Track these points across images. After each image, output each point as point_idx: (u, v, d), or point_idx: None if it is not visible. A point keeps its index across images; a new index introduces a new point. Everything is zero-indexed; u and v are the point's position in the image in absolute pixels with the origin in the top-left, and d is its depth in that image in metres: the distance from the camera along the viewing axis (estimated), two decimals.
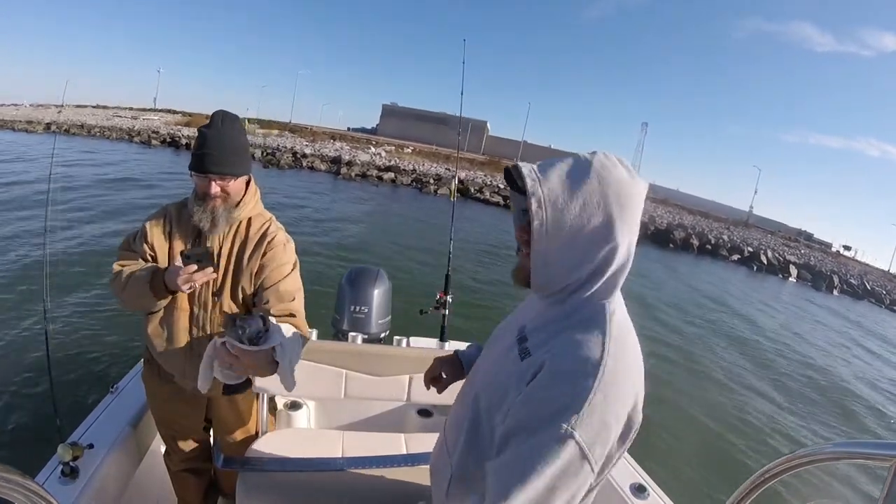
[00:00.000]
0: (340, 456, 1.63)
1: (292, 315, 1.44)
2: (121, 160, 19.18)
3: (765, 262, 24.49)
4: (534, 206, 0.73)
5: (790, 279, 23.39)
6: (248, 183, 1.50)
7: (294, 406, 2.18)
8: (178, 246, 1.45)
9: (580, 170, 0.75)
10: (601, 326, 0.73)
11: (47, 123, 32.43)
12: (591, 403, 0.65)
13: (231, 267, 1.45)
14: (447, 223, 2.90)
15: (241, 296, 1.46)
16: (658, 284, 12.94)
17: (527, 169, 0.76)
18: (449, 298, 2.60)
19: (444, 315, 2.59)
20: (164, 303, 1.42)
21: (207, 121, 1.41)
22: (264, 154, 27.57)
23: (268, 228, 1.49)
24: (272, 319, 1.18)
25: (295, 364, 1.29)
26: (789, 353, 9.31)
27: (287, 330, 1.29)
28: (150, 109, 54.37)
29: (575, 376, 0.68)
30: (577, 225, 0.73)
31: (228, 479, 1.74)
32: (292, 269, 1.51)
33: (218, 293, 1.45)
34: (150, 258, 1.47)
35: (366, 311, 2.33)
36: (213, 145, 1.34)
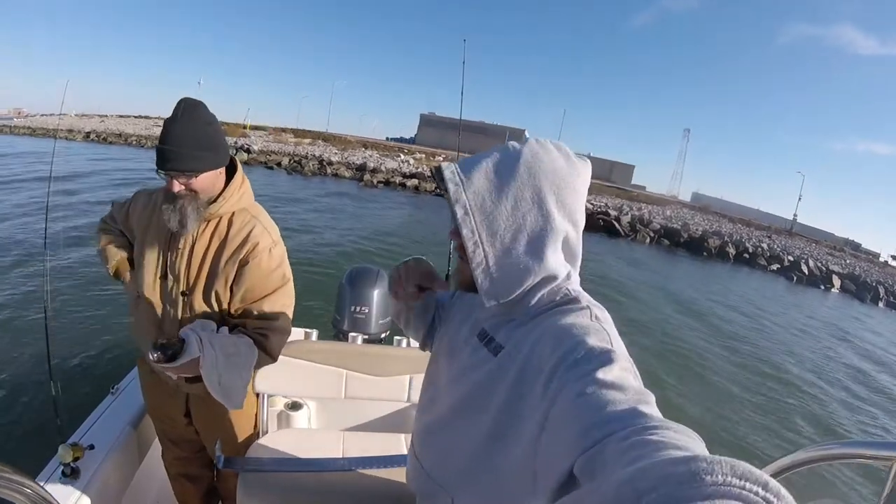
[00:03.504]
0: (341, 456, 1.62)
1: (263, 335, 1.35)
2: (147, 167, 19.88)
3: (806, 271, 23.32)
4: (459, 213, 0.68)
5: (833, 290, 22.18)
6: (231, 174, 1.38)
7: (294, 406, 2.17)
8: (152, 238, 1.39)
9: (507, 163, 0.69)
10: (578, 301, 0.71)
11: (87, 132, 34.13)
12: (613, 341, 0.63)
13: (206, 268, 1.36)
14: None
15: (213, 299, 1.37)
16: (673, 290, 12.50)
17: (449, 171, 0.70)
18: None
19: None
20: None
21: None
22: (290, 161, 28.20)
23: (252, 231, 1.36)
24: (198, 336, 1.17)
25: (234, 380, 1.25)
26: (796, 358, 9.02)
27: (231, 346, 1.24)
28: None
29: (586, 330, 0.64)
30: (512, 226, 0.68)
31: (228, 484, 1.70)
32: (282, 283, 1.40)
33: (188, 292, 1.37)
34: (122, 230, 1.50)
35: (366, 311, 2.30)
36: (172, 139, 1.21)
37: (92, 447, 1.47)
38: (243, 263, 1.34)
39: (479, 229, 0.68)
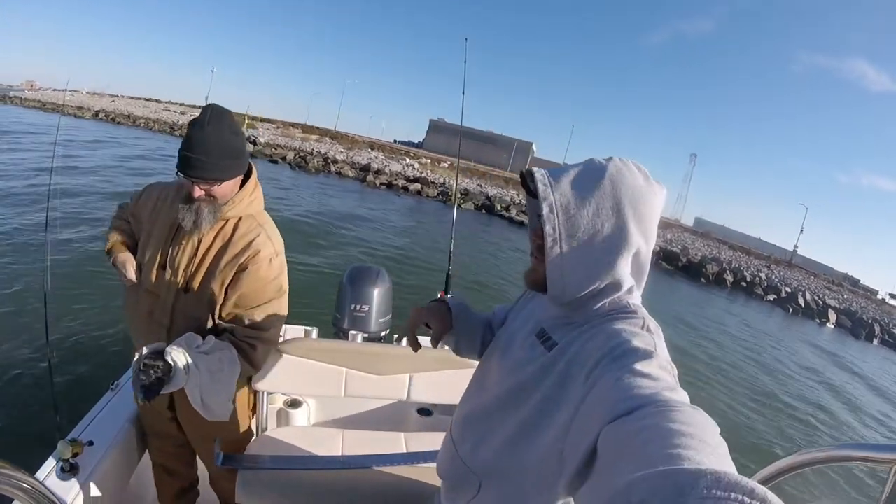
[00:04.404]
0: (340, 454, 1.63)
1: (252, 345, 1.36)
2: (156, 147, 20.00)
3: (802, 304, 23.39)
4: (545, 210, 0.72)
5: (828, 324, 22.21)
6: (246, 179, 1.41)
7: (294, 404, 2.18)
8: (158, 230, 1.41)
9: (593, 174, 0.74)
10: (635, 314, 0.73)
11: (96, 111, 34.17)
12: (658, 347, 0.66)
13: (204, 267, 1.37)
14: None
15: (206, 299, 1.37)
16: (666, 314, 12.51)
17: (540, 174, 0.76)
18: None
19: None
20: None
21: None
22: (295, 156, 28.27)
23: (255, 238, 1.37)
24: (185, 361, 1.17)
25: (215, 396, 1.25)
26: (791, 374, 9.34)
27: (215, 362, 1.24)
28: (200, 106, 56.55)
29: (634, 336, 0.67)
30: (590, 230, 0.73)
31: (224, 484, 1.68)
32: (278, 295, 1.41)
33: (184, 288, 1.37)
34: (129, 223, 1.50)
35: (366, 309, 2.30)
36: (198, 147, 1.23)
37: (91, 443, 1.47)
38: (242, 269, 1.35)
39: (560, 228, 0.73)
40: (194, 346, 1.24)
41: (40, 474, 1.34)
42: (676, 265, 24.17)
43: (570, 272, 0.74)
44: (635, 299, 0.77)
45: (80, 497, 1.34)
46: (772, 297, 23.87)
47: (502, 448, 0.79)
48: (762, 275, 26.98)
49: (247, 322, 1.36)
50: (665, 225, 40.11)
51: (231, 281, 1.36)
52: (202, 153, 1.23)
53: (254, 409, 1.72)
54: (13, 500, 0.70)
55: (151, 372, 1.12)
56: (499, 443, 0.80)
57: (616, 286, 0.75)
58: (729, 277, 24.34)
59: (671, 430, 0.46)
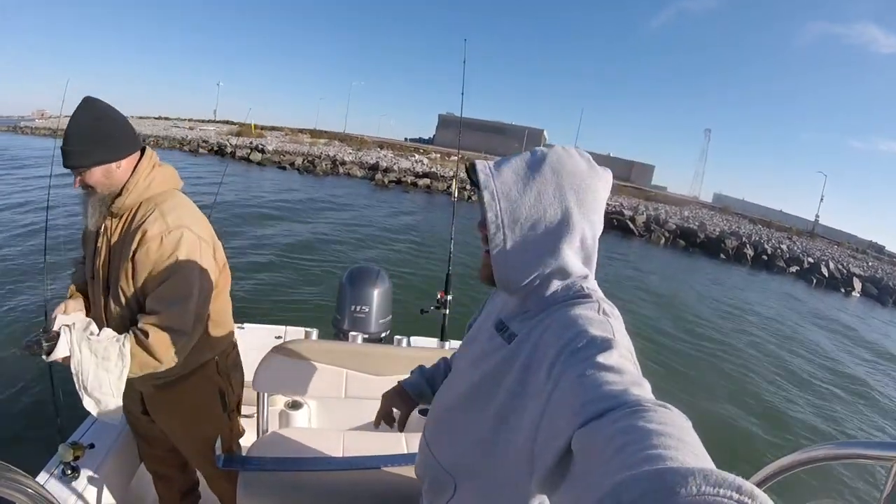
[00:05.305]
0: (341, 455, 1.62)
1: (145, 332, 1.26)
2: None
3: (826, 274, 22.73)
4: (486, 198, 0.73)
5: (854, 293, 21.49)
6: (136, 167, 1.34)
7: (295, 405, 2.18)
8: (88, 246, 1.43)
9: (534, 162, 0.75)
10: (590, 297, 0.73)
11: None
12: (616, 333, 0.65)
13: (112, 264, 1.33)
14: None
15: (122, 297, 1.31)
16: (682, 293, 12.26)
17: (481, 164, 0.77)
18: (449, 298, 2.57)
19: (444, 315, 2.57)
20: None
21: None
22: (304, 161, 28.46)
23: (146, 219, 1.28)
24: (69, 336, 1.19)
25: (98, 386, 1.23)
26: (800, 355, 8.99)
27: (101, 350, 1.22)
28: (208, 121, 57.33)
29: (590, 322, 0.66)
30: (532, 216, 0.73)
31: (220, 484, 1.70)
32: (173, 273, 1.28)
33: (105, 292, 1.36)
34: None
35: (366, 310, 2.32)
36: (66, 138, 1.23)
37: (92, 446, 1.49)
38: (133, 255, 1.28)
39: (502, 214, 0.73)
40: (85, 328, 1.24)
41: (41, 477, 1.36)
42: (694, 242, 23.72)
43: (513, 259, 0.74)
44: (590, 284, 0.76)
45: (82, 500, 1.36)
46: (794, 268, 23.23)
47: (473, 447, 0.78)
48: (783, 247, 26.27)
49: (147, 309, 1.29)
50: (682, 202, 39.38)
51: (132, 271, 1.29)
52: (66, 143, 1.23)
53: (239, 409, 1.72)
54: (14, 503, 0.69)
55: (41, 334, 1.19)
56: (469, 442, 0.79)
57: (563, 272, 0.74)
58: (749, 251, 23.74)
59: (648, 430, 0.45)
